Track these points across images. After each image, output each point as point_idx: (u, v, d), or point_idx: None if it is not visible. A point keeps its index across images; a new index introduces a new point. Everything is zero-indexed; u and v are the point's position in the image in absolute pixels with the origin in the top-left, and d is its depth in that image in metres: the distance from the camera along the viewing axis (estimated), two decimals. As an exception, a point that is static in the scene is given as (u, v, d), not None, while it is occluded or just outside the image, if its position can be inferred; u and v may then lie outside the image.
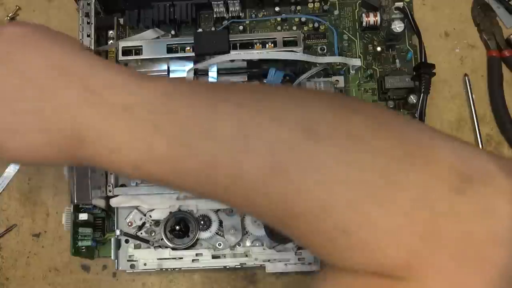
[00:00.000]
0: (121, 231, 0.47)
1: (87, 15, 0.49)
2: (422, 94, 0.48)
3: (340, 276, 0.31)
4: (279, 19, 0.53)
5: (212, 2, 0.50)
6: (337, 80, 0.50)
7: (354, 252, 0.29)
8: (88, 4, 0.49)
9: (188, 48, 0.48)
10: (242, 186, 0.30)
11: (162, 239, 0.47)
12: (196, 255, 0.47)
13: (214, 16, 0.52)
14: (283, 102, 0.30)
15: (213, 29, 0.52)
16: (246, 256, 0.47)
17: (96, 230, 0.50)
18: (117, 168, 0.31)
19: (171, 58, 0.48)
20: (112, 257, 0.47)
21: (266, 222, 0.32)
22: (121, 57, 0.47)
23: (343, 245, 0.29)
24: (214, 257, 0.47)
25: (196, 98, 0.30)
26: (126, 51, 0.48)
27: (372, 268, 0.29)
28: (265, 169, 0.29)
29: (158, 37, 0.50)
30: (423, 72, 0.48)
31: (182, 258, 0.47)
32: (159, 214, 0.47)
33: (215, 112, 0.30)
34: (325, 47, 0.52)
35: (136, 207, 0.48)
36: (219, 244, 0.47)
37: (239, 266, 0.48)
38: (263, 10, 0.53)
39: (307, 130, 0.29)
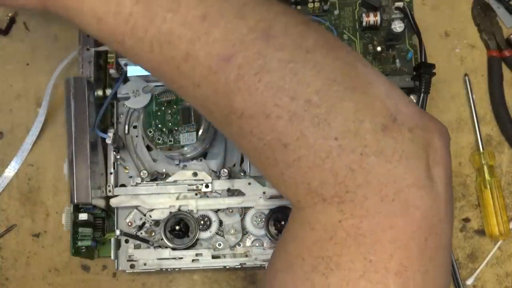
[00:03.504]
0: (121, 231, 0.47)
1: (87, 15, 0.49)
2: (422, 94, 0.48)
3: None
4: (279, 19, 0.52)
5: (212, 2, 0.50)
6: (337, 80, 0.50)
7: (289, 168, 0.30)
8: (88, 4, 0.49)
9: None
10: (193, 69, 0.30)
11: (162, 239, 0.47)
12: (196, 255, 0.47)
13: (214, 16, 0.52)
14: (252, 1, 0.31)
15: (213, 29, 0.52)
16: (246, 256, 0.47)
17: (96, 230, 0.49)
18: (84, 19, 0.31)
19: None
20: (112, 257, 0.47)
21: (207, 116, 0.34)
22: (121, 57, 0.47)
23: (280, 159, 0.30)
24: (214, 257, 0.47)
25: None
26: (126, 51, 0.48)
27: (302, 189, 0.31)
28: (218, 57, 0.29)
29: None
30: (423, 72, 0.48)
31: (182, 258, 0.47)
32: (159, 214, 0.47)
33: None
34: (325, 47, 0.52)
35: (136, 207, 0.48)
36: (219, 244, 0.47)
37: (239, 266, 0.48)
38: (263, 10, 0.53)
39: (264, 31, 0.29)
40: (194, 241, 0.47)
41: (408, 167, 0.29)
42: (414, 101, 0.49)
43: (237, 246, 0.48)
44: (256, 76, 0.29)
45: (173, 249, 0.47)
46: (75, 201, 0.45)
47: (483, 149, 0.51)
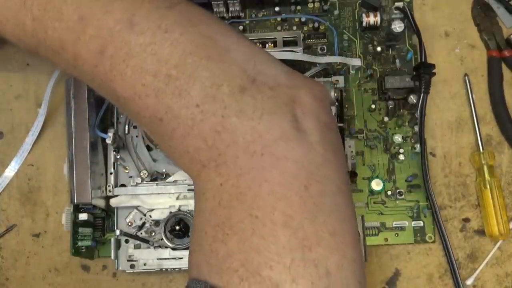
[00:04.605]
0: (121, 231, 0.47)
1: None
2: (422, 94, 0.48)
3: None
4: (279, 19, 0.53)
5: (212, 2, 0.50)
6: (337, 80, 0.50)
7: (171, 140, 0.33)
8: (88, 4, 0.49)
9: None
10: (83, 66, 0.34)
11: (162, 239, 0.47)
12: (196, 255, 0.47)
13: (214, 16, 0.52)
14: None
15: (213, 29, 0.52)
16: (246, 256, 0.47)
17: (96, 230, 0.50)
18: (13, 40, 0.37)
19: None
20: (112, 257, 0.47)
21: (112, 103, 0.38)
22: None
23: (161, 132, 0.33)
24: (214, 257, 0.47)
25: None
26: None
27: (186, 158, 0.33)
28: (95, 52, 0.33)
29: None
30: (423, 72, 0.48)
31: (182, 258, 0.47)
32: (159, 214, 0.47)
33: None
34: (325, 47, 0.52)
35: (136, 207, 0.48)
36: (219, 244, 0.47)
37: (239, 266, 0.47)
38: (263, 10, 0.53)
39: (128, 20, 0.33)
40: (194, 241, 0.47)
41: (272, 122, 0.31)
42: (414, 101, 0.49)
43: (237, 246, 0.48)
44: (124, 62, 0.32)
45: (173, 249, 0.47)
46: (75, 201, 0.45)
47: (483, 149, 0.51)
